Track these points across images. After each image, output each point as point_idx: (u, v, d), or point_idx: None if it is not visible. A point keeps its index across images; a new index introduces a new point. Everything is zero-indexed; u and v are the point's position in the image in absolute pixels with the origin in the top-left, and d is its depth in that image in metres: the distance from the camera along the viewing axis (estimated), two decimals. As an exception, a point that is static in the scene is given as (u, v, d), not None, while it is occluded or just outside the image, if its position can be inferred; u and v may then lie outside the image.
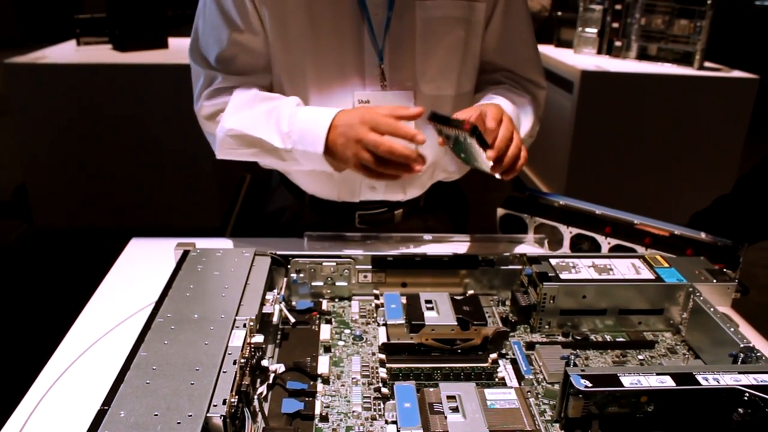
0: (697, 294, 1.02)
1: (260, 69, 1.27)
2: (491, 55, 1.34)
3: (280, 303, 1.00)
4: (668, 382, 0.77)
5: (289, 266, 1.08)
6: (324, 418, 0.82)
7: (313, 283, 1.09)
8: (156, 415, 0.69)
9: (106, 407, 0.70)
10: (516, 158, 1.09)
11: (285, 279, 1.08)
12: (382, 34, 1.22)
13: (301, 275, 1.09)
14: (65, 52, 3.69)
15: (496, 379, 0.91)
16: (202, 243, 1.10)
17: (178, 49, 3.67)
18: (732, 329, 0.93)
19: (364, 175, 1.12)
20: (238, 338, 0.83)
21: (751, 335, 1.04)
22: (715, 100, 3.49)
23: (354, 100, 1.24)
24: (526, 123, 1.32)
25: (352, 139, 1.09)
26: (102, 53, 3.64)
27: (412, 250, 1.29)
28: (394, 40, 1.23)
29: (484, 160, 1.05)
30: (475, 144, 1.03)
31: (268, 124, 1.20)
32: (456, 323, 0.95)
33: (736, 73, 3.58)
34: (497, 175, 1.10)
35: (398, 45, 1.24)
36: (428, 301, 1.00)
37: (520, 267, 1.10)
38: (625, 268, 1.07)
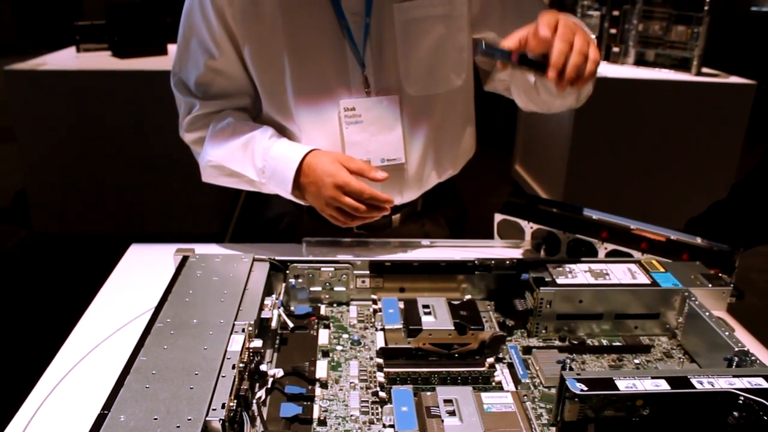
0: (693, 298, 1.03)
1: (238, 92, 1.31)
2: (503, 32, 1.30)
3: (279, 308, 1.01)
4: (663, 386, 0.78)
5: (287, 271, 1.09)
6: (322, 422, 0.83)
7: (312, 289, 1.10)
8: (155, 419, 0.69)
9: (106, 411, 0.70)
10: (580, 66, 0.97)
11: (283, 284, 1.09)
12: (362, 40, 1.23)
13: (300, 280, 1.09)
14: (65, 59, 3.71)
15: (493, 383, 0.91)
16: (201, 249, 1.11)
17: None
18: (727, 333, 0.94)
19: (330, 220, 1.23)
20: (236, 343, 0.83)
21: (746, 339, 1.05)
22: (713, 105, 3.51)
23: (339, 109, 1.25)
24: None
25: (324, 197, 1.18)
26: (101, 60, 3.65)
27: (410, 255, 1.30)
28: (374, 45, 1.24)
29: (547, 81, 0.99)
30: (531, 70, 1.00)
31: (245, 158, 1.26)
32: (453, 328, 0.96)
33: (734, 79, 3.60)
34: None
35: (379, 50, 1.25)
36: (426, 306, 1.01)
37: (516, 272, 1.11)
38: (621, 273, 1.08)
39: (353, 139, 1.27)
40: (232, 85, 1.29)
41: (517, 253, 1.32)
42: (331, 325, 1.05)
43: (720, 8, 3.58)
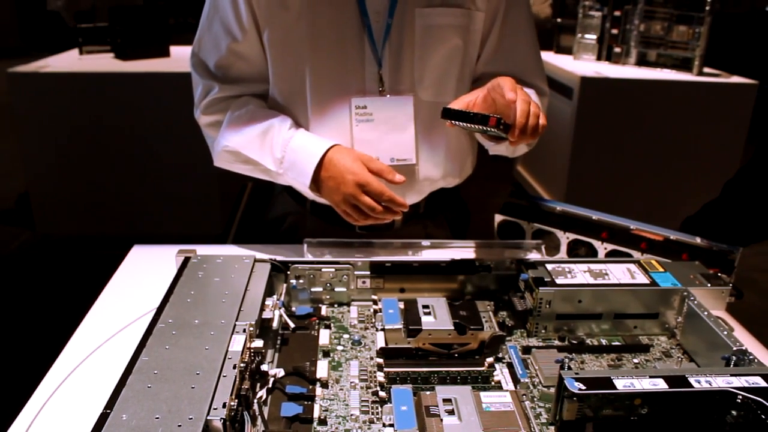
0: (692, 298, 1.03)
1: (257, 77, 1.31)
2: (493, 63, 1.34)
3: (280, 308, 1.02)
4: (661, 385, 0.78)
5: (288, 272, 1.09)
6: (322, 422, 0.84)
7: (313, 289, 1.11)
8: (157, 418, 0.70)
9: (108, 410, 0.71)
10: (534, 128, 1.08)
11: (285, 285, 1.09)
12: (381, 40, 1.24)
13: (301, 281, 1.10)
14: (68, 61, 3.72)
15: (492, 383, 0.92)
16: (202, 250, 1.12)
17: (179, 58, 3.69)
18: (725, 333, 0.94)
19: (343, 216, 1.23)
20: (238, 343, 0.84)
21: (745, 339, 1.05)
22: (715, 105, 3.50)
23: (352, 106, 1.26)
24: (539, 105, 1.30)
25: (343, 193, 1.18)
26: (104, 62, 3.66)
27: (411, 256, 1.30)
28: (393, 46, 1.25)
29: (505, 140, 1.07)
30: (498, 132, 1.06)
31: (263, 147, 1.26)
32: (453, 328, 0.96)
33: (735, 79, 3.59)
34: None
35: (397, 52, 1.26)
36: (425, 306, 1.02)
37: (516, 272, 1.11)
38: (620, 273, 1.08)
39: (362, 137, 1.27)
40: (252, 69, 1.30)
41: (516, 254, 1.32)
42: (331, 325, 1.06)
43: (737, 11, 3.58)
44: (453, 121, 1.07)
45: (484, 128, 1.04)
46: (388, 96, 1.27)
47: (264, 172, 1.29)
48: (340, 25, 1.24)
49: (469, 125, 1.05)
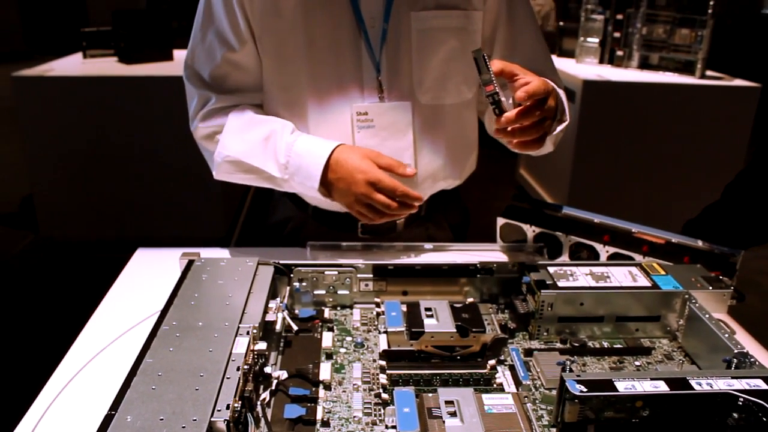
0: (693, 301, 1.03)
1: (254, 87, 1.30)
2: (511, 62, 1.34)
3: (283, 311, 1.02)
4: (662, 387, 0.79)
5: (291, 275, 1.10)
6: (325, 423, 0.84)
7: (316, 292, 1.11)
8: (161, 419, 0.71)
9: (113, 412, 0.72)
10: (525, 142, 1.13)
11: (288, 287, 1.10)
12: (378, 46, 1.25)
13: (304, 284, 1.11)
14: (72, 65, 3.74)
15: (494, 385, 0.92)
16: (206, 253, 1.12)
17: (183, 61, 3.70)
18: (727, 335, 0.94)
19: (357, 217, 1.23)
20: (241, 345, 0.85)
21: (747, 341, 1.06)
22: (717, 108, 3.51)
23: (352, 112, 1.26)
24: (567, 111, 1.32)
25: (355, 193, 1.17)
26: (108, 66, 3.68)
27: (413, 258, 1.30)
28: (391, 51, 1.26)
29: (493, 121, 1.10)
30: (491, 104, 1.09)
31: (266, 154, 1.24)
32: (455, 330, 0.97)
33: (738, 82, 3.60)
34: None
35: (395, 56, 1.26)
36: (428, 309, 1.02)
37: (518, 275, 1.12)
38: (622, 276, 1.09)
39: (364, 144, 1.27)
40: (248, 79, 1.29)
41: (519, 257, 1.32)
42: (334, 327, 1.06)
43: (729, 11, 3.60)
44: (475, 61, 1.08)
45: (484, 90, 1.07)
46: (387, 102, 1.27)
47: (268, 180, 1.27)
48: (337, 31, 1.23)
49: (479, 78, 1.08)
